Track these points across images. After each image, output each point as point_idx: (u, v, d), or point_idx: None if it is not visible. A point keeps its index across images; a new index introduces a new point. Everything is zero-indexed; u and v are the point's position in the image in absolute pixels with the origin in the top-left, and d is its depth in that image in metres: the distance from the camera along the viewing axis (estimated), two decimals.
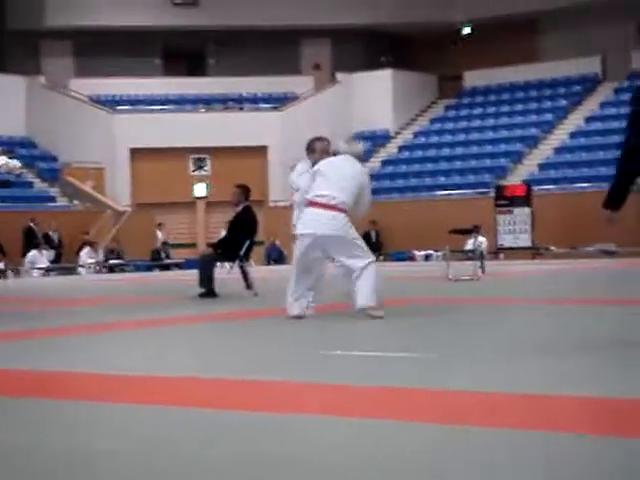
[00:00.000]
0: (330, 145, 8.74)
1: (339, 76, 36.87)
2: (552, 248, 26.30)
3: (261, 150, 34.05)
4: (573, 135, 32.36)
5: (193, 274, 12.77)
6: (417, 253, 28.92)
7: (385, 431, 3.56)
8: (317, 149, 8.82)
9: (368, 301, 7.93)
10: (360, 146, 8.74)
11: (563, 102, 34.68)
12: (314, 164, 8.60)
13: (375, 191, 31.90)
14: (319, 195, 8.17)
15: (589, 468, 2.96)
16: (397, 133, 36.45)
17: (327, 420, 3.81)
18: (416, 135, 35.67)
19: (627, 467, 2.97)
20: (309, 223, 8.19)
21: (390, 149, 35.58)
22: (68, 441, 3.55)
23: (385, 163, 34.51)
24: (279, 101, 36.38)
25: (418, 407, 4.11)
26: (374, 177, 33.91)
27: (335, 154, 8.57)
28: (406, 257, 28.83)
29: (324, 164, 8.38)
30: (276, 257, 30.25)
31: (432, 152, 34.09)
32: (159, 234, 30.30)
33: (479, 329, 7.29)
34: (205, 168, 34.13)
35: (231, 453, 3.29)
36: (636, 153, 5.09)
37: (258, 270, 20.76)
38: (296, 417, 3.90)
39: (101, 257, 27.64)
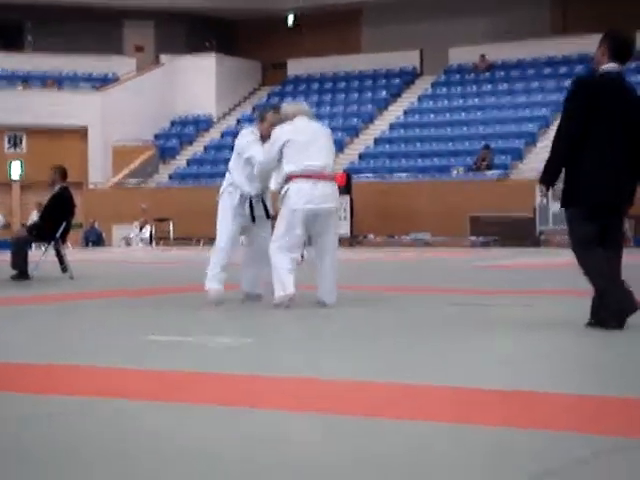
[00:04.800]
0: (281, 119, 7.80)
1: (163, 58, 36.49)
2: (370, 236, 26.90)
3: (80, 131, 33.32)
4: (392, 127, 33.15)
5: (6, 256, 12.39)
6: None
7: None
8: (267, 119, 8.01)
9: (332, 300, 7.56)
10: (306, 105, 8.06)
11: (383, 94, 35.48)
12: (262, 135, 7.93)
13: (197, 176, 31.93)
14: (310, 165, 7.43)
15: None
16: (220, 119, 36.42)
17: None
18: (239, 121, 35.73)
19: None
20: (307, 197, 7.40)
21: (213, 134, 35.50)
22: None
23: (208, 148, 34.41)
24: (100, 81, 35.67)
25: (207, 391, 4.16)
26: (197, 162, 33.85)
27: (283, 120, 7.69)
28: None
29: (293, 131, 7.51)
30: (95, 239, 29.71)
31: None
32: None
33: (295, 315, 7.41)
34: (21, 146, 33.09)
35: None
36: (575, 142, 5.72)
37: (75, 252, 20.31)
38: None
39: None
